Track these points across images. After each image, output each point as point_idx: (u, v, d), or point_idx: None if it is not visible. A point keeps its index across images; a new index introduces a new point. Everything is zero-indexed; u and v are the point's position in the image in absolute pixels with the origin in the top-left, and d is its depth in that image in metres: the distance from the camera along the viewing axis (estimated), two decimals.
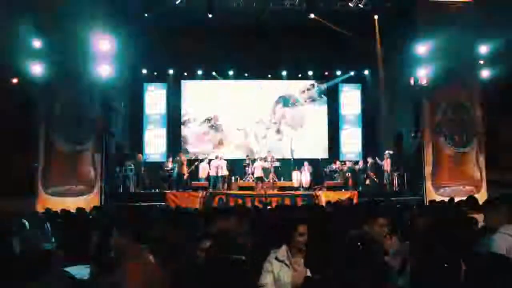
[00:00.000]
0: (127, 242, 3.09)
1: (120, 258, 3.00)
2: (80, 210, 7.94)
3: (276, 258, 3.28)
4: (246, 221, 4.41)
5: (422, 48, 13.44)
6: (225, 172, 14.97)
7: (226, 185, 15.02)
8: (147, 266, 2.97)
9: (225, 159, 15.33)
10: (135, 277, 2.82)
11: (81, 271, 2.70)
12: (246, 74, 17.64)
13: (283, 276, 3.20)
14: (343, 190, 14.50)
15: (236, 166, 16.14)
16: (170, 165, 15.10)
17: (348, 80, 18.13)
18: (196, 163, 15.65)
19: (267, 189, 14.18)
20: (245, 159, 16.26)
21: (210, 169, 15.01)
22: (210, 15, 13.25)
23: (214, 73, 17.31)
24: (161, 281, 2.84)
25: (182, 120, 17.53)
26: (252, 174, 15.33)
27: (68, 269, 2.67)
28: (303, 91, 18.00)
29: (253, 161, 15.76)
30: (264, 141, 17.48)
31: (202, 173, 15.23)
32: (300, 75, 17.87)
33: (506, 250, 3.00)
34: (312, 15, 13.74)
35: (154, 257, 3.08)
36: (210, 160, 15.36)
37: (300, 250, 3.28)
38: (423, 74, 13.58)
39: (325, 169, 16.40)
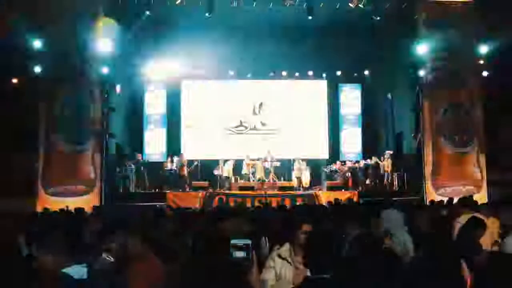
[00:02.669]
0: (131, 243, 3.08)
1: (124, 259, 2.99)
2: (78, 210, 7.94)
3: (279, 256, 3.31)
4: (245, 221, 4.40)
5: (422, 48, 13.40)
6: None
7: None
8: (151, 267, 2.96)
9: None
10: (139, 277, 2.82)
11: (79, 271, 2.69)
12: (248, 75, 17.63)
13: (284, 273, 3.24)
14: (343, 190, 14.48)
15: (238, 166, 16.13)
16: (169, 165, 15.09)
17: (348, 80, 18.10)
18: (196, 163, 15.56)
19: (267, 189, 14.17)
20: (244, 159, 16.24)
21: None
22: (207, 14, 13.21)
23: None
24: (164, 282, 2.84)
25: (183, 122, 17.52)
26: (253, 174, 15.34)
27: (66, 269, 2.67)
28: None
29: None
30: (265, 140, 17.44)
31: (228, 172, 15.16)
32: (300, 75, 17.82)
33: None
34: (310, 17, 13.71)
35: (158, 258, 3.07)
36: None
37: (302, 249, 3.28)
38: (423, 74, 13.57)
39: (325, 169, 16.38)
